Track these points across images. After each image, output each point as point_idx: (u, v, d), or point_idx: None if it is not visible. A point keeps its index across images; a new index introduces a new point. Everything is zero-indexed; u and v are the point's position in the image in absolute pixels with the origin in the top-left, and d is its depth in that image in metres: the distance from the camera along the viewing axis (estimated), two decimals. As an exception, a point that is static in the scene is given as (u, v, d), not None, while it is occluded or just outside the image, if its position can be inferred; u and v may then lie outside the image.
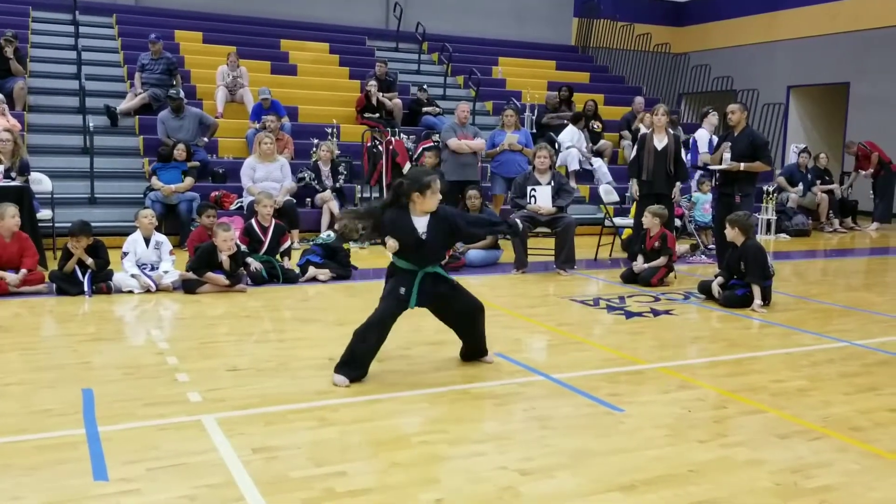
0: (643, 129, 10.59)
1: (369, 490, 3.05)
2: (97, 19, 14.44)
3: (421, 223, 4.45)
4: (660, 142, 8.46)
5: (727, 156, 8.12)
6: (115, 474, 3.10)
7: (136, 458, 3.26)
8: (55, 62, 12.75)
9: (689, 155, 10.63)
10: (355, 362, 4.37)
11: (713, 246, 10.25)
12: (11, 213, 6.60)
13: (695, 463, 3.39)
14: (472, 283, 7.80)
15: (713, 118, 11.42)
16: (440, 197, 4.45)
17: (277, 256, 7.56)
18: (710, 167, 8.98)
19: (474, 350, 4.82)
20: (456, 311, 4.68)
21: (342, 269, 7.71)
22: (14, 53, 11.03)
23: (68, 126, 11.30)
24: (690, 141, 11.31)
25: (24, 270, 6.55)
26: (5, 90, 10.65)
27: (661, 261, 7.73)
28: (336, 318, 6.01)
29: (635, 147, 8.71)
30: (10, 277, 6.42)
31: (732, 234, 6.79)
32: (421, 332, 5.70)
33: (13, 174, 7.99)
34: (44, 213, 8.42)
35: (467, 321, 4.72)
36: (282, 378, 4.45)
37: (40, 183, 8.78)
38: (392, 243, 4.45)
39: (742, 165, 8.01)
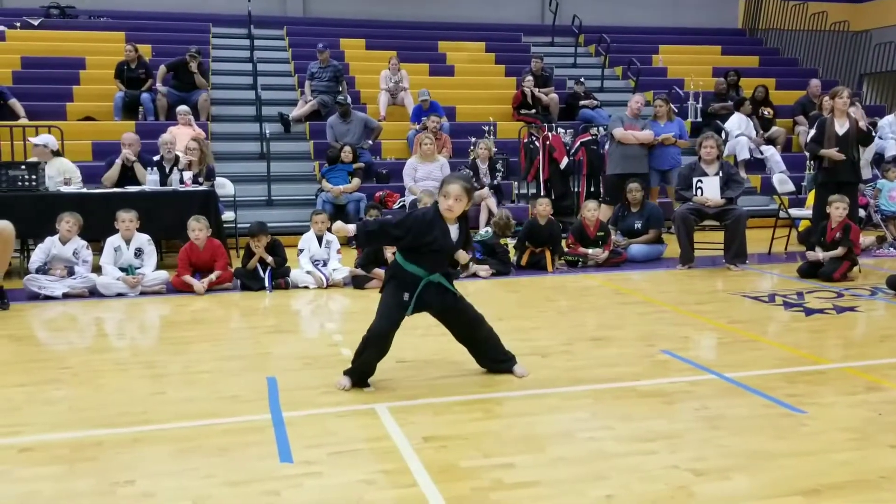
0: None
1: (537, 483, 3.06)
2: (270, 32, 15.37)
3: (454, 230, 4.20)
4: (841, 127, 7.88)
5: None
6: (298, 457, 3.30)
7: (317, 443, 3.45)
8: (234, 74, 13.71)
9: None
10: (355, 373, 4.25)
11: (902, 238, 9.47)
12: (201, 225, 7.13)
13: (887, 469, 3.15)
14: (634, 278, 7.66)
15: None
16: (452, 203, 4.08)
17: (440, 253, 7.73)
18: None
19: (485, 358, 4.47)
20: (460, 322, 4.40)
21: (501, 265, 7.77)
22: (198, 68, 11.96)
23: (247, 133, 12.12)
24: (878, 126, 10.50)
25: (215, 273, 7.05)
26: (191, 102, 11.58)
27: (840, 251, 7.21)
28: (496, 314, 6.03)
29: (813, 130, 8.14)
30: (197, 286, 6.95)
31: None
32: (582, 328, 5.65)
33: (201, 179, 8.68)
34: (227, 215, 9.07)
35: (468, 332, 4.43)
36: (446, 370, 4.55)
37: (224, 187, 9.47)
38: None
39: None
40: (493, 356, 4.47)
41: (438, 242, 4.12)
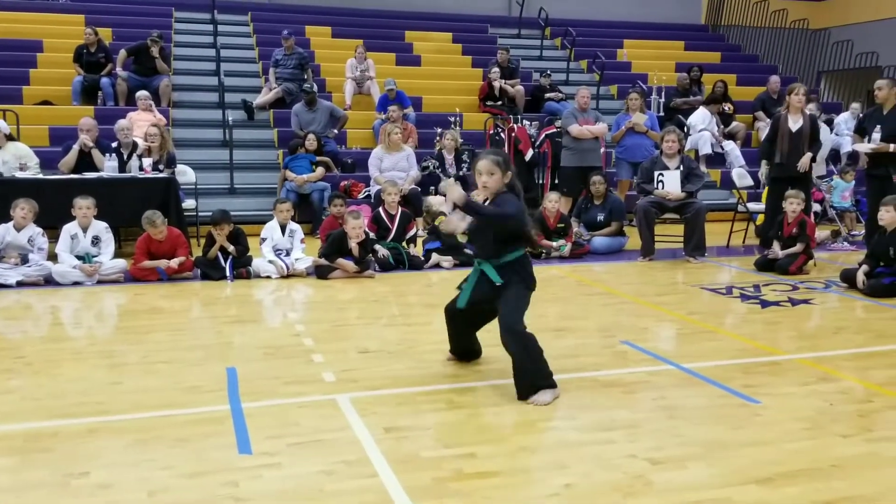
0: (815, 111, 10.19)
1: (498, 472, 3.08)
2: (234, 18, 15.15)
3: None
4: (795, 123, 8.05)
5: (876, 136, 7.62)
6: (258, 448, 3.28)
7: (277, 434, 3.43)
8: (196, 60, 13.49)
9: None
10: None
11: (856, 232, 9.69)
12: (160, 220, 6.98)
13: (838, 458, 3.23)
14: (596, 269, 7.73)
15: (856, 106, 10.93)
16: (486, 178, 4.03)
17: (403, 243, 7.74)
18: (856, 148, 8.45)
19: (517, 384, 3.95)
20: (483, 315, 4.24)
21: (464, 256, 7.78)
22: (159, 53, 11.74)
23: (209, 120, 11.95)
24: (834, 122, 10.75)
25: (177, 260, 6.95)
26: (151, 88, 11.38)
27: (798, 248, 7.36)
28: (461, 304, 6.09)
29: (769, 128, 8.33)
30: (163, 262, 6.87)
31: (889, 217, 6.34)
32: (545, 319, 5.68)
33: (161, 167, 8.54)
34: (188, 203, 8.94)
35: (480, 325, 4.34)
36: (410, 361, 4.56)
37: (185, 174, 9.33)
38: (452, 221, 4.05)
39: (892, 147, 7.50)
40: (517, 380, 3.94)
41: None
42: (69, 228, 6.96)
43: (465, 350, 4.47)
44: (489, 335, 4.39)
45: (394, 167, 9.95)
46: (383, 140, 10.16)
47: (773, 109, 12.38)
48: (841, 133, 12.45)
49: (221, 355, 4.70)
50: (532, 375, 3.88)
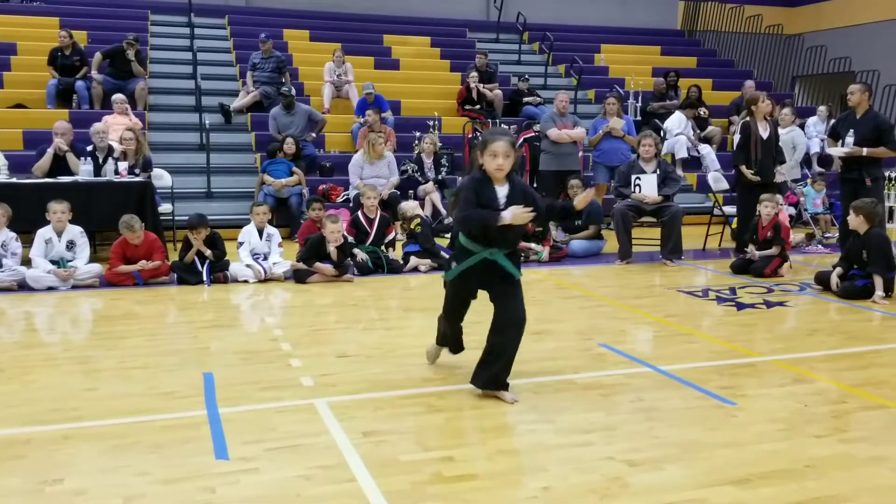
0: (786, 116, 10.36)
1: (476, 475, 3.08)
2: (211, 21, 15.06)
3: (502, 192, 3.84)
4: (764, 130, 8.17)
5: (850, 140, 7.72)
6: (235, 453, 3.26)
7: (254, 439, 3.41)
8: (173, 63, 13.39)
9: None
10: (445, 340, 4.41)
11: (830, 235, 9.81)
12: (138, 225, 6.92)
13: (812, 458, 3.26)
14: (575, 273, 7.76)
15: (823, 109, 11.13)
16: (502, 161, 3.76)
17: (382, 247, 7.73)
18: (830, 151, 8.54)
19: (488, 372, 3.93)
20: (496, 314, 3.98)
21: (441, 259, 7.79)
22: (135, 56, 11.64)
23: (186, 124, 11.87)
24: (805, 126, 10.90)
25: (153, 263, 6.89)
26: (127, 91, 11.28)
27: (773, 250, 7.45)
28: (438, 307, 6.03)
29: (739, 135, 8.42)
30: (139, 265, 6.82)
31: (856, 221, 6.45)
32: (524, 322, 5.70)
33: (137, 170, 8.46)
34: (164, 207, 8.87)
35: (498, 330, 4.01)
36: (388, 365, 4.55)
37: (161, 178, 9.24)
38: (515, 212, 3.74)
39: (865, 151, 7.60)
40: (481, 369, 3.98)
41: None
42: (43, 233, 6.87)
43: (456, 344, 4.45)
44: (472, 339, 4.41)
45: (375, 174, 9.93)
46: (365, 148, 10.11)
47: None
48: (810, 135, 12.61)
49: (198, 360, 4.66)
50: (505, 369, 3.94)
